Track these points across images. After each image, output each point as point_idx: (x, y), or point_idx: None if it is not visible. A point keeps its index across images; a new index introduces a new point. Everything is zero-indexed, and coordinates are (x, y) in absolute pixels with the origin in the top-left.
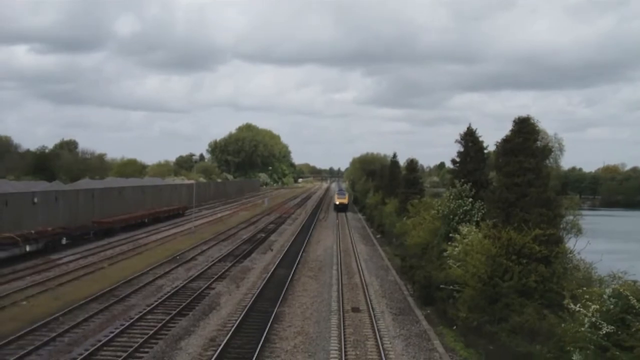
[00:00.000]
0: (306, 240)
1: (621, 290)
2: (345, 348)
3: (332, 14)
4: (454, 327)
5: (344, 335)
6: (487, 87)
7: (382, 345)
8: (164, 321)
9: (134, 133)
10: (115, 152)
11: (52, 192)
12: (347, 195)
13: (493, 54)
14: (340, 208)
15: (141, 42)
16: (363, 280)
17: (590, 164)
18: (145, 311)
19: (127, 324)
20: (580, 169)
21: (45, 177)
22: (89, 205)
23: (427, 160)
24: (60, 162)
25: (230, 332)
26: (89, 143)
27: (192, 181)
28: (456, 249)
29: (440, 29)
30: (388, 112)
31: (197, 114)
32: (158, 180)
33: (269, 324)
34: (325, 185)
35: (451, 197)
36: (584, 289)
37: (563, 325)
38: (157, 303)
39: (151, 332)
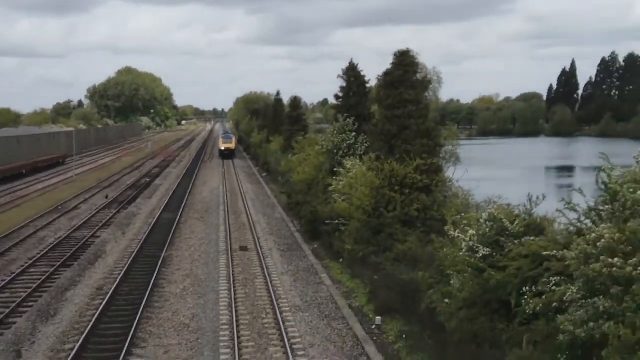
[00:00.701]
0: (192, 183)
1: (496, 214)
2: (234, 287)
3: None
4: (341, 260)
5: (233, 274)
6: (367, 23)
7: (271, 281)
8: (47, 273)
9: (6, 81)
10: None
11: None
12: (234, 139)
13: None
14: (227, 154)
15: None
16: (250, 220)
17: (467, 95)
18: (27, 264)
19: (8, 279)
20: (457, 101)
21: None
22: None
23: (311, 98)
24: None
25: (118, 280)
26: None
27: (71, 129)
28: (341, 183)
29: None
30: (271, 50)
31: (73, 59)
32: (34, 129)
33: (156, 269)
34: (209, 126)
35: (335, 132)
36: (463, 215)
37: (445, 250)
38: (39, 255)
39: (34, 285)
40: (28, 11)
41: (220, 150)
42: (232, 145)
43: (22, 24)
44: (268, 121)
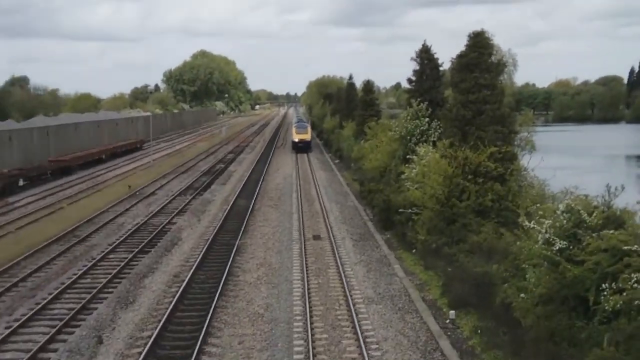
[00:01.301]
0: (265, 169)
1: (573, 205)
2: (307, 277)
3: None
4: (414, 251)
5: (306, 264)
6: (442, 2)
7: (344, 272)
8: (126, 260)
9: (87, 66)
10: (68, 86)
11: (5, 131)
12: (309, 128)
13: None
14: (301, 147)
15: None
16: (323, 207)
17: (543, 79)
18: (107, 250)
19: (89, 264)
20: (533, 85)
21: None
22: (44, 144)
23: (384, 81)
24: (12, 100)
25: (193, 268)
26: (40, 78)
27: (148, 113)
28: (414, 170)
29: None
30: (344, 31)
31: (150, 43)
32: (114, 114)
33: (231, 257)
34: (282, 111)
35: (408, 117)
36: (538, 205)
37: (518, 243)
38: (118, 241)
39: (114, 271)
40: None
41: (294, 142)
42: (307, 136)
43: (101, 8)
44: (341, 106)
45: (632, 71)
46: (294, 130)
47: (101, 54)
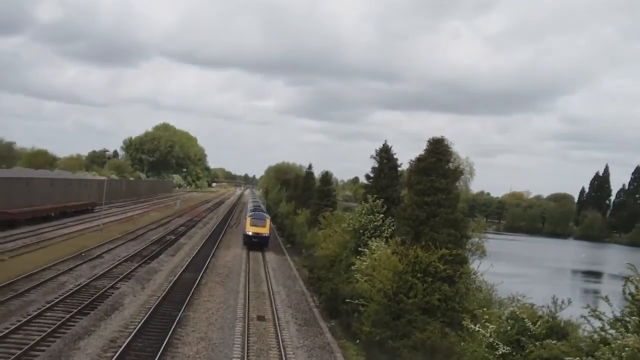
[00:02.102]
0: (216, 246)
1: (518, 312)
2: (247, 356)
3: (260, 21)
4: (357, 341)
5: (248, 343)
6: (406, 107)
7: (285, 355)
8: (63, 319)
9: (47, 123)
10: (25, 141)
11: None
12: (267, 221)
13: (415, 74)
14: (256, 243)
15: (63, 30)
16: (270, 289)
17: (497, 189)
18: (44, 308)
19: (24, 320)
20: (488, 193)
21: None
22: None
23: (342, 174)
24: None
25: (132, 334)
26: None
27: (103, 177)
28: (364, 263)
29: (366, 45)
30: (307, 123)
31: (114, 109)
32: (68, 174)
33: (172, 328)
34: (239, 191)
35: (363, 211)
36: (484, 309)
37: (462, 344)
38: (57, 300)
39: (49, 329)
40: (76, 59)
41: (247, 236)
42: (265, 230)
43: (69, 70)
44: (297, 193)
45: (582, 191)
46: (248, 220)
47: (64, 114)
